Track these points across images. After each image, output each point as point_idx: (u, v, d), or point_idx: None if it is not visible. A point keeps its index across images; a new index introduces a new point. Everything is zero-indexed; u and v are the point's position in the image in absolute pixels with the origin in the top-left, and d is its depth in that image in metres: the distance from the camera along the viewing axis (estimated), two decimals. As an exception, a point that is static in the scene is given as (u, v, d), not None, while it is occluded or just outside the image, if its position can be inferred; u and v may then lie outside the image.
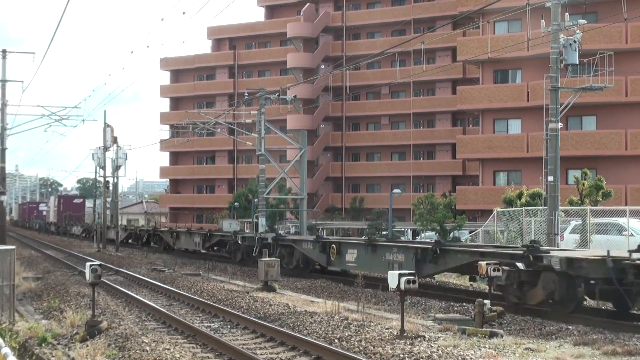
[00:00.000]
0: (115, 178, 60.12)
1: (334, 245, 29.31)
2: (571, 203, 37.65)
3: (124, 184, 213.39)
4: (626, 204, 45.51)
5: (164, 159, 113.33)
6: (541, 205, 35.40)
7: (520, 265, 19.65)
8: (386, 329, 16.77)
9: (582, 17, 32.14)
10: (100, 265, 18.12)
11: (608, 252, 18.65)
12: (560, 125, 29.19)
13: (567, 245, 31.02)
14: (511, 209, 39.57)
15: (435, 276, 28.50)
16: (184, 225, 73.50)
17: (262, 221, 45.95)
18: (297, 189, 49.02)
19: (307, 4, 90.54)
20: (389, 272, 16.87)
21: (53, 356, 15.01)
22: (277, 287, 26.59)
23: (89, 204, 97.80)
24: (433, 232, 53.55)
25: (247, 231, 48.92)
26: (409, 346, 14.67)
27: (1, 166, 44.79)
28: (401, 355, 13.94)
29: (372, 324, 17.40)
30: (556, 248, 24.44)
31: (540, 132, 44.42)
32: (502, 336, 16.12)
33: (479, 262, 19.02)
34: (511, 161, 58.22)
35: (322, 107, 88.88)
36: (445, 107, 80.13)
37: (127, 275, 32.48)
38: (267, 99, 48.16)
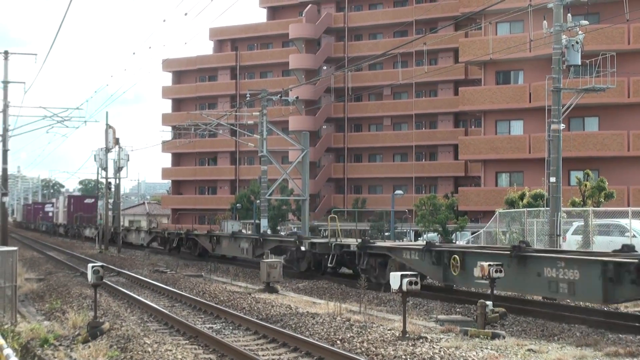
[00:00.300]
0: (117, 179, 60.16)
1: (456, 255, 22.17)
2: (573, 204, 37.61)
3: (126, 185, 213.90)
4: (628, 205, 45.47)
5: (166, 160, 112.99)
6: (543, 207, 35.37)
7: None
8: (388, 330, 16.76)
9: (584, 18, 32.10)
10: (102, 266, 18.12)
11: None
12: (562, 126, 29.18)
13: (570, 246, 31.00)
14: (513, 210, 39.54)
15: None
16: (188, 226, 73.48)
17: (264, 222, 45.99)
18: (299, 190, 49.07)
19: (309, 5, 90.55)
20: (391, 274, 16.87)
21: (55, 357, 15.01)
22: (279, 289, 26.59)
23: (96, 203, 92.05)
24: (435, 234, 53.55)
25: (317, 237, 39.46)
26: (411, 347, 14.66)
27: (3, 167, 44.80)
28: (403, 357, 13.93)
29: (374, 325, 17.39)
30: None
31: (543, 133, 44.44)
32: (504, 337, 16.11)
33: (481, 263, 19.00)
34: (513, 162, 58.18)
35: (324, 108, 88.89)
36: (447, 108, 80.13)
37: (129, 277, 32.48)
38: (269, 100, 48.19)
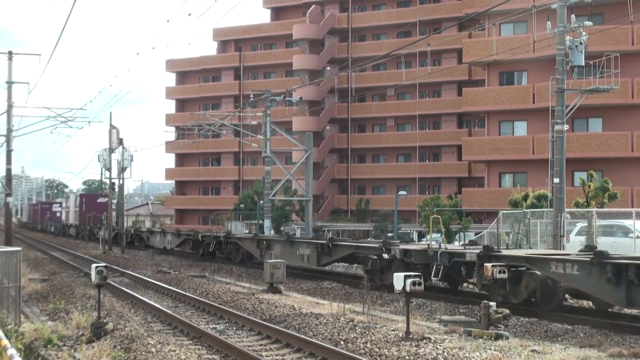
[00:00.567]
0: (121, 180, 60.22)
1: None
2: (577, 205, 37.58)
3: (130, 186, 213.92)
4: (632, 206, 45.44)
5: (170, 160, 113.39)
6: (547, 207, 35.36)
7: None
8: (392, 330, 16.76)
9: (588, 19, 32.10)
10: (105, 266, 18.15)
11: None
12: (566, 127, 29.19)
13: (573, 247, 30.97)
14: (517, 210, 39.51)
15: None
16: (193, 226, 73.42)
17: (267, 223, 46.01)
18: (302, 191, 49.07)
19: (313, 6, 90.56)
20: (394, 274, 16.88)
21: (59, 357, 15.03)
22: (282, 289, 26.59)
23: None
24: (439, 234, 53.46)
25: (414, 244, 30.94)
26: (415, 348, 14.66)
27: (7, 168, 44.90)
28: (407, 357, 13.93)
29: (377, 326, 17.39)
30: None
31: (546, 134, 44.43)
32: (507, 338, 16.11)
33: (485, 265, 19.00)
34: (517, 163, 58.13)
35: (328, 108, 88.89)
36: (451, 109, 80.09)
37: (132, 277, 32.51)
38: (272, 100, 48.21)
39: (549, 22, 30.09)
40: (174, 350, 14.94)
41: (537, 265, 20.05)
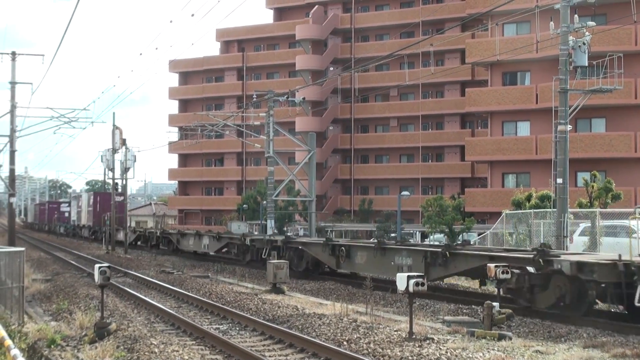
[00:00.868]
0: (124, 180, 60.23)
1: None
2: (580, 205, 37.55)
3: (133, 186, 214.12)
4: (635, 206, 45.37)
5: (173, 161, 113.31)
6: (550, 208, 35.32)
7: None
8: (395, 331, 16.76)
9: (591, 19, 32.10)
10: (109, 267, 18.15)
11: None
12: (569, 127, 29.15)
13: (577, 247, 30.94)
14: (520, 211, 39.48)
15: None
16: (197, 227, 73.25)
17: (270, 223, 46.01)
18: (305, 191, 49.08)
19: (316, 6, 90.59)
20: (398, 275, 16.89)
21: (62, 358, 15.04)
22: (285, 289, 26.58)
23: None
24: (442, 234, 53.51)
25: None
26: (418, 348, 14.66)
27: (11, 168, 44.95)
28: (410, 358, 13.93)
29: (380, 326, 17.39)
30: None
31: (549, 134, 44.37)
32: (510, 338, 16.10)
33: (488, 265, 19.00)
34: (520, 163, 58.09)
35: (331, 109, 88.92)
36: (454, 109, 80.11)
37: (135, 277, 32.52)
38: (275, 101, 48.22)
39: (552, 22, 30.04)
40: (177, 351, 14.95)
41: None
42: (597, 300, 19.92)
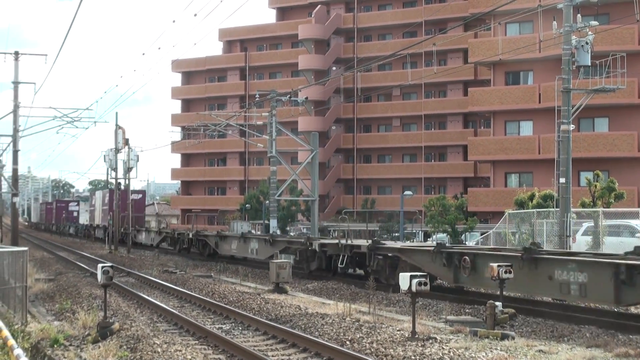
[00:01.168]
0: (127, 180, 60.26)
1: None
2: (583, 205, 37.54)
3: (136, 186, 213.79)
4: (639, 206, 45.40)
5: (175, 160, 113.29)
6: (553, 207, 35.32)
7: None
8: (397, 330, 16.76)
9: (594, 19, 32.09)
10: (111, 267, 18.17)
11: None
12: (572, 127, 29.15)
13: (579, 247, 30.94)
14: (523, 210, 39.48)
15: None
16: (200, 227, 73.00)
17: (273, 223, 45.99)
18: (308, 191, 49.05)
19: (319, 6, 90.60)
20: (400, 274, 16.88)
21: (65, 357, 15.05)
22: (288, 289, 26.59)
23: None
24: (444, 234, 53.51)
25: None
26: (421, 348, 14.66)
27: (14, 168, 45.02)
28: (412, 357, 13.92)
29: (383, 326, 17.39)
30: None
31: (552, 133, 44.35)
32: (513, 338, 16.09)
33: (490, 264, 18.97)
34: (523, 163, 58.08)
35: (334, 108, 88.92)
36: (457, 109, 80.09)
37: (138, 277, 32.55)
38: (278, 100, 48.20)
39: (554, 22, 30.04)
40: (180, 350, 14.96)
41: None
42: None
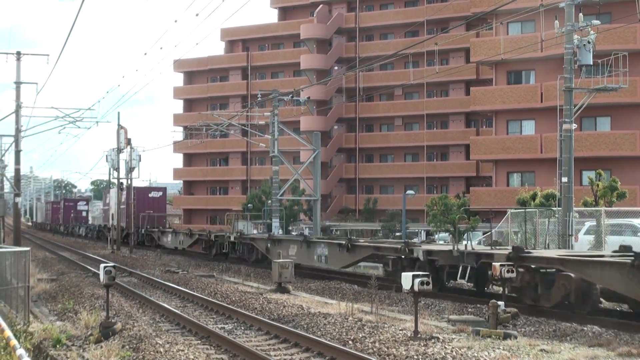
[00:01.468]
0: (129, 180, 60.26)
1: None
2: (585, 204, 37.51)
3: (138, 186, 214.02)
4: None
5: (178, 160, 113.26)
6: (555, 206, 35.29)
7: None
8: (400, 330, 16.76)
9: (596, 18, 32.06)
10: (114, 266, 18.18)
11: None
12: (574, 126, 29.13)
13: (582, 246, 30.92)
14: (525, 209, 39.43)
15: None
16: (201, 226, 73.01)
17: (275, 223, 46.02)
18: (310, 191, 49.07)
19: (320, 6, 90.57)
20: (403, 274, 16.87)
21: (67, 357, 15.06)
22: (290, 289, 26.60)
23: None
24: (447, 233, 53.46)
25: None
26: (423, 347, 14.66)
27: (16, 168, 45.04)
28: (415, 357, 13.92)
29: (386, 325, 17.39)
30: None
31: (554, 133, 44.35)
32: (516, 337, 16.09)
33: (493, 263, 18.97)
34: (525, 162, 58.03)
35: (336, 108, 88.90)
36: (459, 108, 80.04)
37: (141, 277, 32.56)
38: (280, 100, 48.23)
39: (556, 21, 30.03)
40: (183, 350, 14.96)
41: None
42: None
